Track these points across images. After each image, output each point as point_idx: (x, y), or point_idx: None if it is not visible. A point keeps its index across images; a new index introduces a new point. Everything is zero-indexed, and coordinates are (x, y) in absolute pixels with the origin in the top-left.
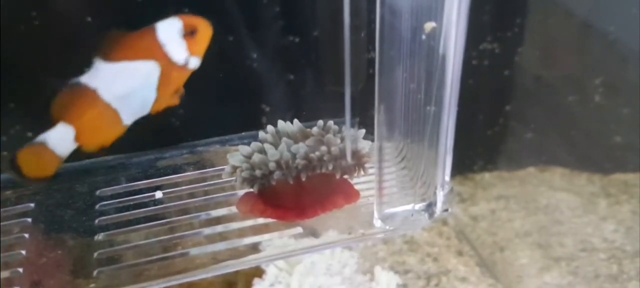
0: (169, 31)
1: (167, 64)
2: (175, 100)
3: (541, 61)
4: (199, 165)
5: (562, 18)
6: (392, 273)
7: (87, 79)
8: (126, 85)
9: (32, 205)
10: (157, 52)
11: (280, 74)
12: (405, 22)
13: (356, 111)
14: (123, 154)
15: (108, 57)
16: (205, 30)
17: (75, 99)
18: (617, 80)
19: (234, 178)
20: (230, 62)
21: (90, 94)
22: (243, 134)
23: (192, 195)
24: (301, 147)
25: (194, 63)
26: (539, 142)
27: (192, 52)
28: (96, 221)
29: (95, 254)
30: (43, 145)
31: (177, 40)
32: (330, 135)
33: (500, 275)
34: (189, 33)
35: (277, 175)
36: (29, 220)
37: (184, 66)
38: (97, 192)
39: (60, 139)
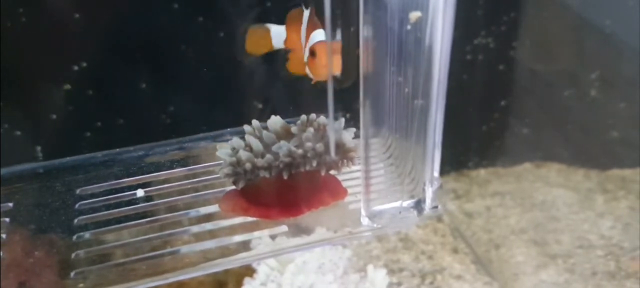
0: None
1: None
2: None
3: (536, 56)
4: (187, 161)
5: (557, 12)
6: (384, 271)
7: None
8: None
9: (11, 204)
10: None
11: (271, 70)
12: (391, 12)
13: (345, 106)
14: (108, 150)
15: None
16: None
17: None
18: (613, 75)
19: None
20: (222, 58)
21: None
22: (229, 129)
23: (180, 193)
24: (283, 145)
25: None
26: (535, 138)
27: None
28: (76, 220)
29: (74, 255)
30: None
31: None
32: (312, 131)
33: (496, 272)
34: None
35: (261, 173)
36: (7, 220)
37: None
38: (78, 191)
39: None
